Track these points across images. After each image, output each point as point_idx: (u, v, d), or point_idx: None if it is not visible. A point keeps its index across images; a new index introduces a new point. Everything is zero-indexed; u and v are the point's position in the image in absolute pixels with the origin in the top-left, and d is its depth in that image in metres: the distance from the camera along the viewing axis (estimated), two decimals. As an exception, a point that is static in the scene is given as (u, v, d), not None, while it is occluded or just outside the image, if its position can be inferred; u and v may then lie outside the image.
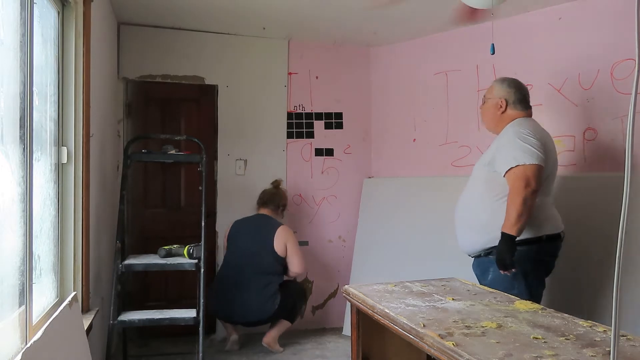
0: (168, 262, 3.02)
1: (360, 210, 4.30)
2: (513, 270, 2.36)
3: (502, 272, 2.39)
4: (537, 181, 2.36)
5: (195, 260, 3.03)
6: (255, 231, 3.73)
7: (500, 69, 3.63)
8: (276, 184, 4.03)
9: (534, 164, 2.36)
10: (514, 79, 2.71)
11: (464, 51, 3.86)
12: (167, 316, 2.97)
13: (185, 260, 3.05)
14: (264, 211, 3.86)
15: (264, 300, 3.56)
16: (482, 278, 2.57)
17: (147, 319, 2.95)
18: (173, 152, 3.25)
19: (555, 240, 2.50)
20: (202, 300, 3.02)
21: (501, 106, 2.63)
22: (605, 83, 3.08)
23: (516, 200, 2.33)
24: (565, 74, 3.27)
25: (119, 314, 2.97)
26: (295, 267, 3.73)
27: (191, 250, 3.06)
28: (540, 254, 2.47)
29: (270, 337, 3.65)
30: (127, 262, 3.03)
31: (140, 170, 3.95)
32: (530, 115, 2.65)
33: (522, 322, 1.61)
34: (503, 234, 2.36)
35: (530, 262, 2.43)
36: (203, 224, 3.19)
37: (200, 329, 2.96)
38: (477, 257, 2.62)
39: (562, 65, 3.29)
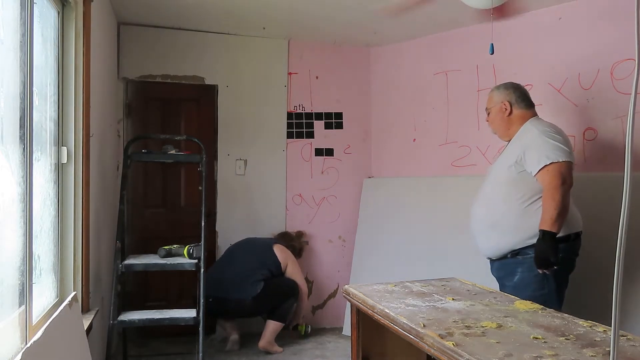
0: (168, 262, 3.02)
1: (360, 210, 4.30)
2: (555, 267, 2.34)
3: (541, 271, 2.35)
4: (571, 177, 2.39)
5: (195, 260, 3.03)
6: (259, 242, 3.87)
7: (500, 69, 3.63)
8: (300, 234, 4.18)
9: (566, 161, 2.38)
10: (510, 82, 2.73)
11: (464, 51, 3.86)
12: (167, 316, 2.98)
13: (185, 260, 3.05)
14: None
15: (247, 281, 3.59)
16: (506, 280, 2.52)
17: (147, 318, 2.95)
18: (173, 152, 3.25)
19: (580, 238, 2.50)
20: (202, 300, 3.02)
21: (506, 109, 2.63)
22: (605, 83, 3.08)
23: (555, 196, 2.32)
24: (565, 74, 3.27)
25: (119, 314, 2.97)
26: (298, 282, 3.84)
27: (191, 250, 3.07)
28: (569, 253, 2.44)
29: (265, 340, 3.64)
30: (127, 262, 3.02)
31: (140, 170, 3.95)
32: (535, 113, 2.64)
33: (522, 322, 1.61)
34: (544, 233, 2.32)
35: (561, 261, 2.38)
36: (203, 224, 3.20)
37: (201, 328, 2.97)
38: (500, 259, 2.56)
39: (562, 65, 3.29)
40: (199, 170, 3.28)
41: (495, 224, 2.53)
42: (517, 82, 3.49)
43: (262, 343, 3.63)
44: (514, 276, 2.48)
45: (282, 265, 3.78)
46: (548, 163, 2.37)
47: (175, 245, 3.18)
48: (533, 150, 2.43)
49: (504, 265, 2.54)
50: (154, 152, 3.28)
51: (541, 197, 2.40)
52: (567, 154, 2.40)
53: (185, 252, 3.12)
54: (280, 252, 3.80)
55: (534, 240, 2.38)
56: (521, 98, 2.63)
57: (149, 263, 3.04)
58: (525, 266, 2.43)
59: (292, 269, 3.80)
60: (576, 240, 2.48)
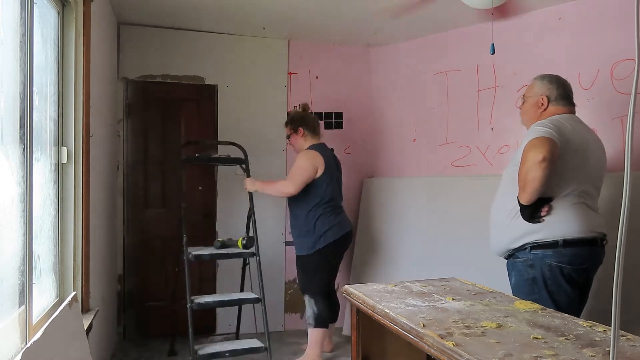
0: (231, 252, 3.48)
1: (360, 210, 4.30)
2: (539, 221, 2.27)
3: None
4: (546, 149, 2.16)
5: (252, 250, 3.47)
6: (334, 162, 3.63)
7: (500, 69, 3.64)
8: (306, 107, 3.76)
9: (543, 136, 2.22)
10: (556, 75, 2.53)
11: (464, 51, 3.86)
12: (235, 298, 3.50)
13: (242, 250, 3.49)
14: (320, 140, 3.66)
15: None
16: (509, 280, 2.47)
17: (218, 300, 3.43)
18: (216, 155, 3.81)
19: (575, 245, 2.27)
20: (262, 283, 3.44)
21: (542, 104, 2.46)
22: (605, 83, 3.08)
23: (521, 169, 2.22)
24: (565, 74, 3.25)
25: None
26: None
27: (244, 241, 3.47)
28: (558, 260, 2.27)
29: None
30: (195, 252, 3.36)
31: (140, 170, 3.95)
32: (571, 112, 2.47)
33: (522, 322, 1.61)
34: (518, 201, 2.30)
35: (547, 267, 2.28)
36: (253, 218, 3.59)
37: (263, 307, 3.43)
38: (505, 258, 2.52)
39: (562, 65, 3.29)
40: (242, 173, 3.74)
41: (494, 221, 2.52)
42: (517, 82, 3.52)
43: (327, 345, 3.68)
44: (511, 278, 2.45)
45: None
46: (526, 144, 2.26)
47: (226, 238, 3.61)
48: (524, 142, 2.30)
49: (506, 266, 2.52)
50: (204, 156, 3.71)
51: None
52: (548, 132, 2.23)
53: (239, 243, 3.52)
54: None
55: (525, 240, 2.32)
56: (562, 96, 2.46)
57: (214, 253, 3.45)
58: (517, 270, 2.37)
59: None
60: (569, 248, 2.26)
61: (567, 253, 2.26)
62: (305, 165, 3.41)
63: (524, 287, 2.33)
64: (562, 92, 2.47)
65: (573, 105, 2.50)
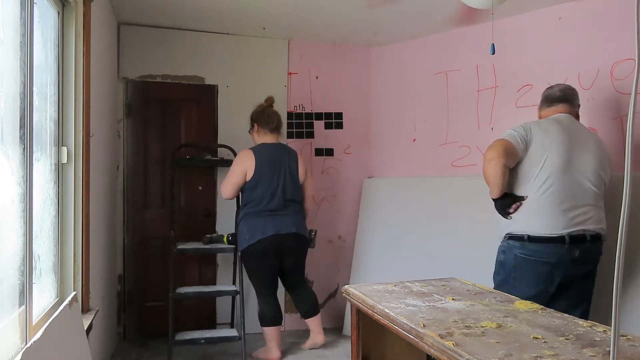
0: (212, 247, 3.63)
1: (360, 210, 4.30)
2: (509, 218, 2.54)
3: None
4: (497, 150, 2.45)
5: (233, 245, 3.56)
6: (281, 162, 3.46)
7: (500, 69, 3.64)
8: (271, 102, 3.62)
9: (500, 138, 2.52)
10: (556, 84, 2.78)
11: (464, 51, 3.86)
12: (214, 289, 3.68)
13: (225, 246, 3.62)
14: (277, 139, 3.55)
15: (301, 219, 3.51)
16: None
17: (198, 292, 3.59)
18: (208, 157, 3.96)
19: (539, 242, 2.45)
20: (241, 276, 3.55)
21: (539, 112, 2.79)
22: (605, 83, 3.08)
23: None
24: (565, 74, 3.27)
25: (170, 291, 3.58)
26: (309, 190, 3.64)
27: (230, 238, 3.59)
28: (522, 252, 2.50)
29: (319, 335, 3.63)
30: (180, 246, 3.53)
31: (140, 170, 3.95)
32: (559, 112, 2.64)
33: (522, 322, 1.61)
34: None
35: (514, 256, 2.52)
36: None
37: (241, 298, 3.55)
38: None
39: (562, 65, 3.29)
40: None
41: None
42: (517, 82, 3.53)
43: (323, 335, 3.65)
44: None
45: (303, 178, 3.57)
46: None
47: (214, 235, 3.71)
48: None
49: None
50: (197, 158, 3.90)
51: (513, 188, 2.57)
52: (508, 135, 2.52)
53: (225, 239, 3.62)
54: (302, 166, 3.58)
55: (506, 231, 2.57)
56: (546, 100, 2.72)
57: (198, 247, 3.61)
58: (497, 253, 2.66)
59: (309, 174, 3.68)
60: (533, 243, 2.46)
61: (531, 247, 2.48)
62: (234, 169, 3.41)
63: (495, 267, 2.64)
64: (544, 97, 2.73)
65: (564, 105, 2.65)
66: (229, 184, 3.42)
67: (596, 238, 2.50)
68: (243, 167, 3.38)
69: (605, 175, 2.55)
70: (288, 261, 3.47)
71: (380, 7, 3.39)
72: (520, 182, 2.53)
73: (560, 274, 2.47)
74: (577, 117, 2.69)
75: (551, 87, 2.74)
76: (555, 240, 2.44)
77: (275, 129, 3.53)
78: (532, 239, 2.47)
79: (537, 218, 2.47)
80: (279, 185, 3.40)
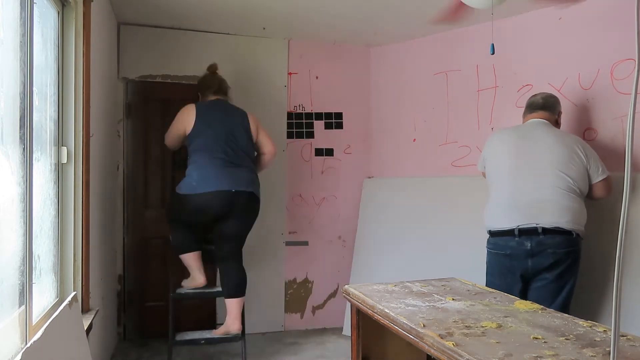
0: (209, 247, 3.50)
1: (360, 210, 4.30)
2: None
3: None
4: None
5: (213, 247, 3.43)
6: (226, 114, 3.38)
7: (500, 69, 3.64)
8: (213, 69, 3.55)
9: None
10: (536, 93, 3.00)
11: (464, 51, 3.86)
12: (214, 290, 3.49)
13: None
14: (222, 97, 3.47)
15: (253, 175, 3.31)
16: None
17: (198, 292, 3.49)
18: None
19: (495, 235, 2.74)
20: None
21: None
22: (605, 83, 3.08)
23: None
24: (565, 74, 3.27)
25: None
26: (269, 145, 3.48)
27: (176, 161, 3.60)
28: (488, 245, 2.81)
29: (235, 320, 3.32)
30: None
31: (140, 170, 3.95)
32: (531, 118, 2.90)
33: (522, 322, 1.61)
34: None
35: (487, 252, 2.84)
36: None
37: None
38: None
39: (562, 65, 3.29)
40: None
41: None
42: (517, 82, 3.53)
43: (239, 325, 3.31)
44: None
45: (256, 134, 3.44)
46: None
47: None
48: None
49: None
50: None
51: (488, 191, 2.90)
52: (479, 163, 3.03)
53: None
54: (253, 122, 3.45)
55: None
56: (526, 107, 2.96)
57: None
58: None
59: (263, 131, 3.50)
60: (492, 237, 2.77)
61: (491, 241, 2.79)
62: (174, 121, 3.35)
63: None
64: (528, 104, 2.95)
65: (543, 112, 2.87)
66: (169, 134, 3.37)
67: (553, 232, 2.58)
68: (183, 119, 3.29)
69: (574, 171, 2.65)
70: (232, 225, 3.25)
71: (446, 24, 3.33)
72: (489, 187, 2.90)
73: (519, 267, 2.66)
74: (555, 122, 2.90)
75: (534, 95, 2.96)
76: (507, 233, 2.67)
77: (218, 91, 3.43)
78: (492, 233, 2.79)
79: (494, 215, 2.78)
80: (228, 137, 3.25)
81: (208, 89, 3.44)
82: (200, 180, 3.15)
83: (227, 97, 3.50)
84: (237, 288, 3.30)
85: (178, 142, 3.40)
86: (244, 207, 3.22)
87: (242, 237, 3.36)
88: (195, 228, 3.36)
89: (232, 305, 3.29)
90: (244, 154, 3.30)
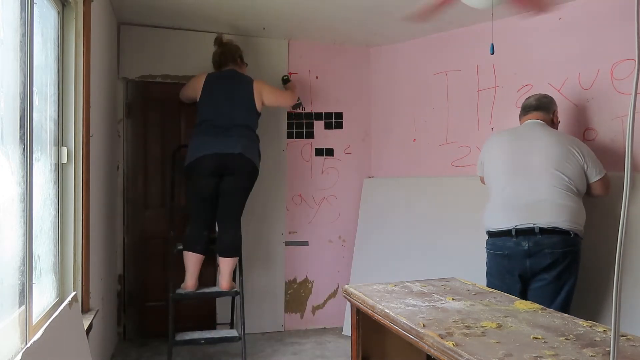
0: (213, 249, 3.55)
1: (360, 210, 4.30)
2: None
3: None
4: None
5: None
6: (232, 84, 3.55)
7: (500, 69, 3.64)
8: (218, 42, 3.73)
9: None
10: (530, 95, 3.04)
11: (464, 51, 3.86)
12: (214, 290, 3.54)
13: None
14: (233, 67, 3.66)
15: (245, 141, 3.40)
16: None
17: (199, 292, 3.50)
18: None
19: (493, 236, 2.75)
20: (241, 277, 3.55)
21: None
22: (605, 83, 3.08)
23: None
24: (565, 74, 3.27)
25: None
26: (280, 102, 3.80)
27: None
28: (488, 247, 2.82)
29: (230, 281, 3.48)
30: (180, 246, 3.50)
31: (140, 170, 3.95)
32: (528, 119, 2.93)
33: (522, 322, 1.61)
34: None
35: (486, 253, 2.85)
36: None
37: (241, 299, 3.51)
38: None
39: (562, 65, 3.29)
40: None
41: None
42: (517, 82, 3.54)
43: (227, 284, 3.45)
44: None
45: (260, 104, 3.59)
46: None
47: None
48: None
49: None
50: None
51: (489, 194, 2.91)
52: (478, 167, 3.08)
53: None
54: (257, 92, 3.60)
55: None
56: (522, 109, 2.99)
57: None
58: None
59: (272, 91, 3.71)
60: (491, 238, 2.79)
61: (490, 241, 2.80)
62: (189, 83, 3.67)
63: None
64: (523, 106, 2.98)
65: (538, 113, 2.90)
66: (183, 92, 3.70)
67: (550, 232, 2.58)
68: (193, 85, 3.57)
69: (570, 169, 2.65)
70: (226, 183, 3.38)
71: (426, 21, 3.34)
72: (488, 190, 2.92)
73: (517, 267, 2.65)
74: (551, 122, 2.91)
75: (528, 98, 2.99)
76: (505, 234, 2.68)
77: (224, 63, 3.64)
78: (490, 233, 2.79)
79: (492, 215, 2.79)
80: (222, 107, 3.43)
81: (215, 64, 3.69)
82: (194, 148, 3.36)
83: (237, 64, 3.68)
84: (230, 248, 3.44)
85: (189, 100, 3.69)
86: (235, 166, 3.37)
87: (237, 196, 3.46)
88: (204, 211, 3.42)
89: (223, 264, 3.47)
90: (240, 124, 3.45)
